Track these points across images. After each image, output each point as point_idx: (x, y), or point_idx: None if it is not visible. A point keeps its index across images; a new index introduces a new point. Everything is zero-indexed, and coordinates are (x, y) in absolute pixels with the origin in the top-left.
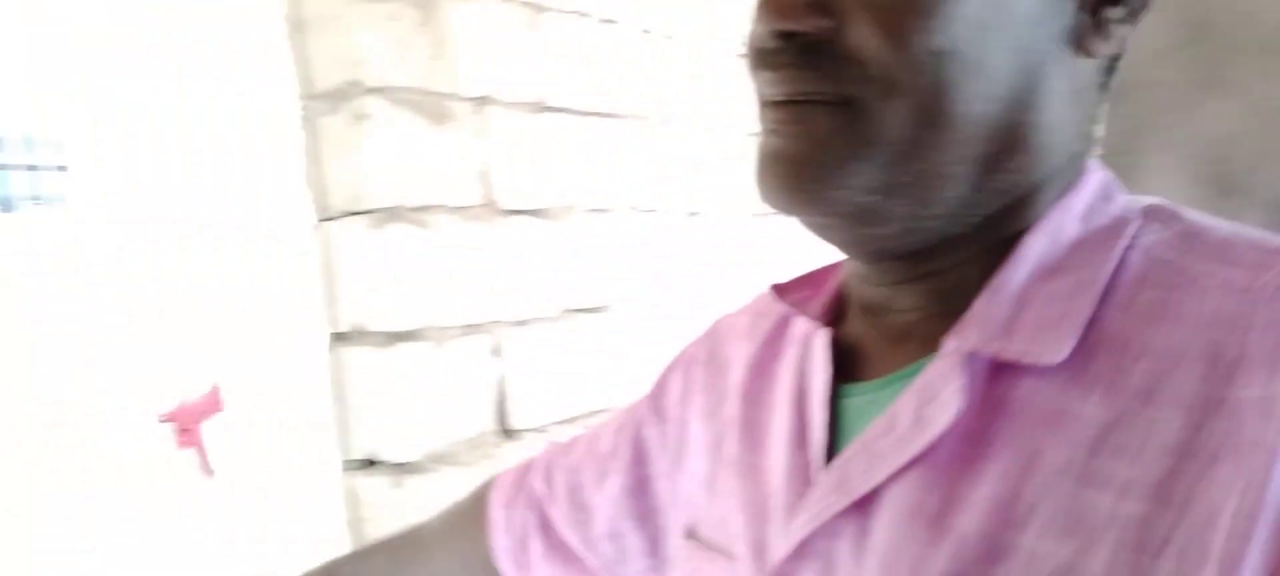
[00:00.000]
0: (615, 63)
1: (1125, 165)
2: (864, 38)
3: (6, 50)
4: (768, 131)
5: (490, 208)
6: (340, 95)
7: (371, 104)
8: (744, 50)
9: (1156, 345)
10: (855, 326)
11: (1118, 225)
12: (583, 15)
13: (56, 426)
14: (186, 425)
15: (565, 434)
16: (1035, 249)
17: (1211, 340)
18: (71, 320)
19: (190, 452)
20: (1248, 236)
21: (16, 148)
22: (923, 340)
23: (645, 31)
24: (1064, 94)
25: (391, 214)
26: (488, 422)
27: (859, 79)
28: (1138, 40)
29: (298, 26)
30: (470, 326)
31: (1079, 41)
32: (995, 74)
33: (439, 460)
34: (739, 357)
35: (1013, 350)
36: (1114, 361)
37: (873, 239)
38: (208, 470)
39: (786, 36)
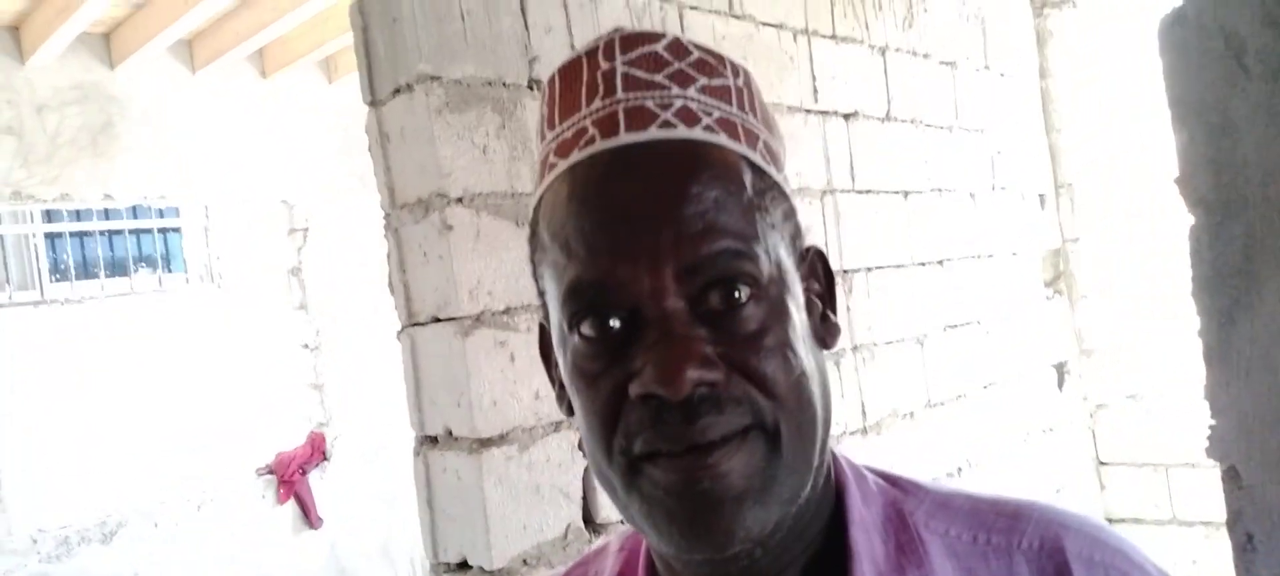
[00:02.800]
0: None
1: (1238, 288)
2: (755, 375)
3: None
4: (685, 480)
5: None
6: (426, 205)
7: (456, 214)
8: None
9: None
10: None
11: (894, 506)
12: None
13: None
14: (287, 476)
15: None
16: (864, 551)
17: None
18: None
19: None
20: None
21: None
22: None
23: None
24: (827, 382)
25: (478, 320)
26: (575, 519)
27: (759, 408)
28: (1252, 156)
29: (382, 140)
30: (555, 424)
31: (823, 340)
32: (820, 378)
33: (529, 560)
34: None
35: None
36: None
37: (761, 547)
38: (315, 522)
39: (701, 387)
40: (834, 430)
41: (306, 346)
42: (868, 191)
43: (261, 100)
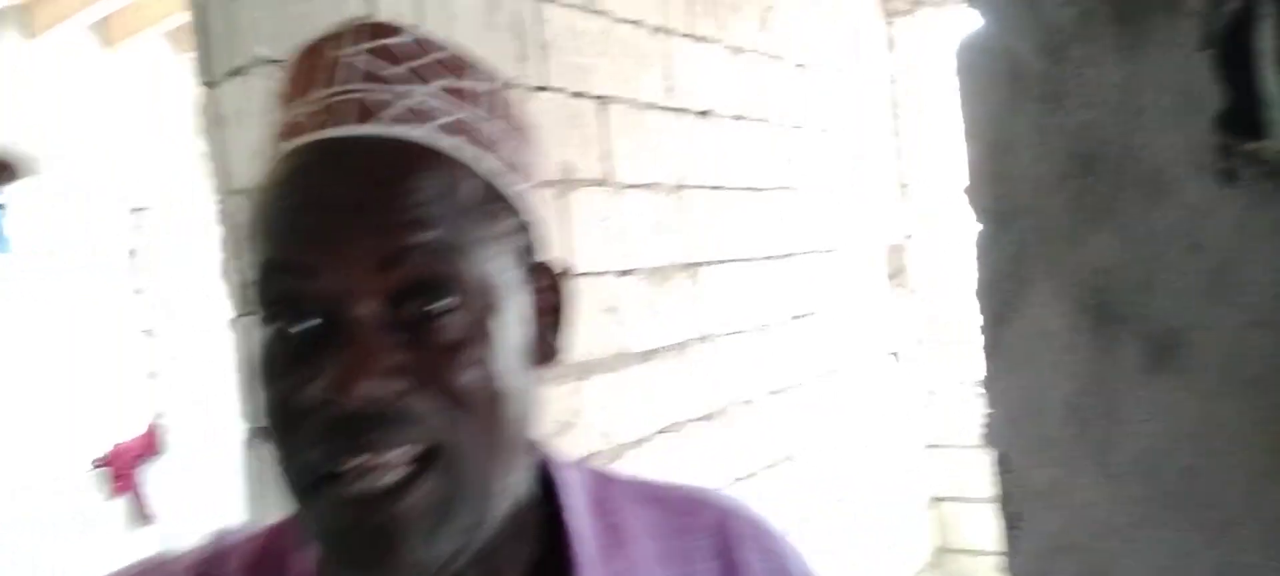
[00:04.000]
0: None
1: (1010, 291)
2: (448, 390)
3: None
4: (356, 517)
5: None
6: None
7: None
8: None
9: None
10: None
11: (598, 494)
12: None
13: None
14: (122, 470)
15: None
16: (580, 533)
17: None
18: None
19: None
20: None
21: None
22: None
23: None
24: (535, 402)
25: None
26: None
27: (445, 427)
28: (1027, 171)
29: (217, 122)
30: None
31: (539, 358)
32: (524, 399)
33: None
34: None
35: None
36: None
37: (469, 565)
38: (147, 517)
39: (380, 399)
40: (678, 417)
41: (146, 332)
42: (719, 187)
43: (104, 71)
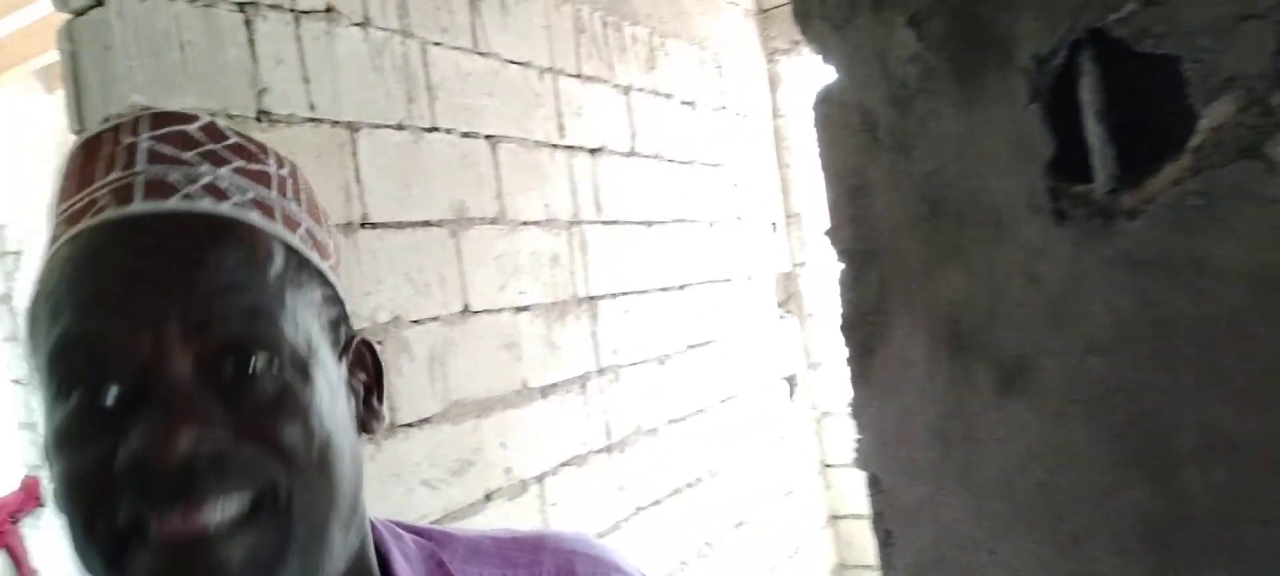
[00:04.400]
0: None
1: (874, 324)
2: (271, 440)
3: None
4: (180, 561)
5: None
6: None
7: None
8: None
9: None
10: None
11: (433, 557)
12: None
13: None
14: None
15: None
16: None
17: None
18: None
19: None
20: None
21: None
22: None
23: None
24: (361, 464)
25: None
26: None
27: (273, 475)
28: (883, 214)
29: None
30: None
31: (363, 426)
32: (350, 457)
33: None
34: None
35: None
36: None
37: None
38: (28, 574)
39: (201, 451)
40: (580, 450)
41: (18, 382)
42: (613, 222)
43: None
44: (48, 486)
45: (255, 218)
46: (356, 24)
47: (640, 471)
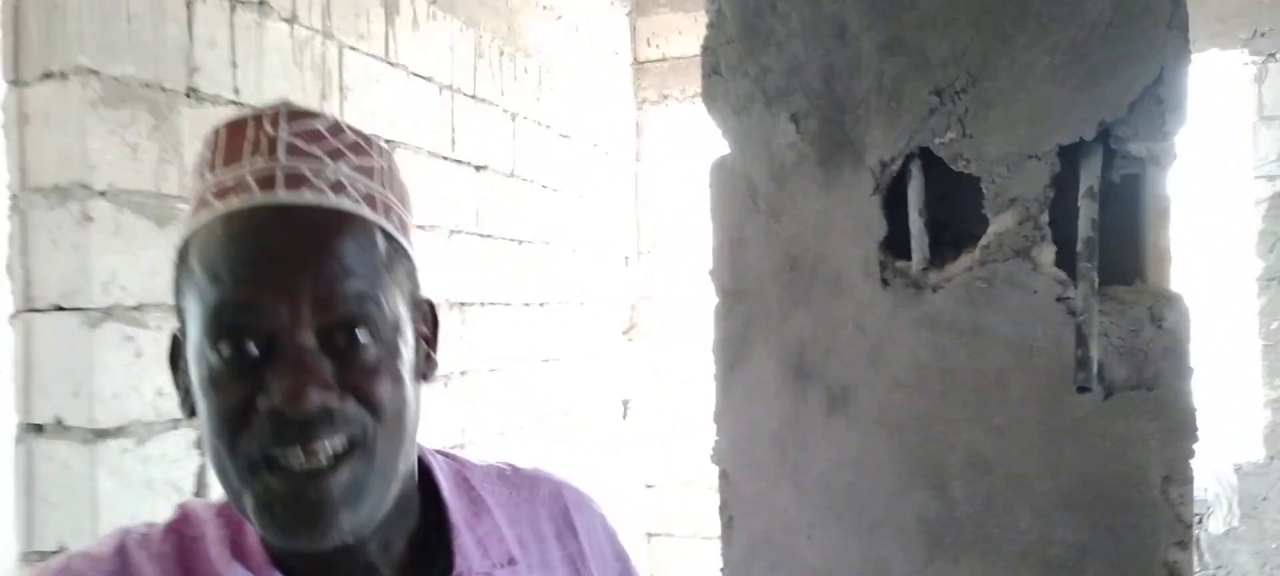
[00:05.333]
0: None
1: (737, 349)
2: (368, 401)
3: None
4: (294, 491)
5: None
6: (64, 194)
7: (98, 207)
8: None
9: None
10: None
11: (460, 475)
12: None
13: None
14: None
15: None
16: (454, 508)
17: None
18: None
19: None
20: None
21: None
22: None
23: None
24: (420, 406)
25: (107, 314)
26: None
27: (362, 427)
28: (754, 264)
29: (20, 120)
30: (174, 421)
31: (423, 374)
32: (414, 404)
33: None
34: None
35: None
36: (531, 552)
37: (366, 538)
38: None
39: (321, 408)
40: (437, 442)
41: None
42: (489, 236)
43: None
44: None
45: (365, 211)
46: (285, 19)
47: None
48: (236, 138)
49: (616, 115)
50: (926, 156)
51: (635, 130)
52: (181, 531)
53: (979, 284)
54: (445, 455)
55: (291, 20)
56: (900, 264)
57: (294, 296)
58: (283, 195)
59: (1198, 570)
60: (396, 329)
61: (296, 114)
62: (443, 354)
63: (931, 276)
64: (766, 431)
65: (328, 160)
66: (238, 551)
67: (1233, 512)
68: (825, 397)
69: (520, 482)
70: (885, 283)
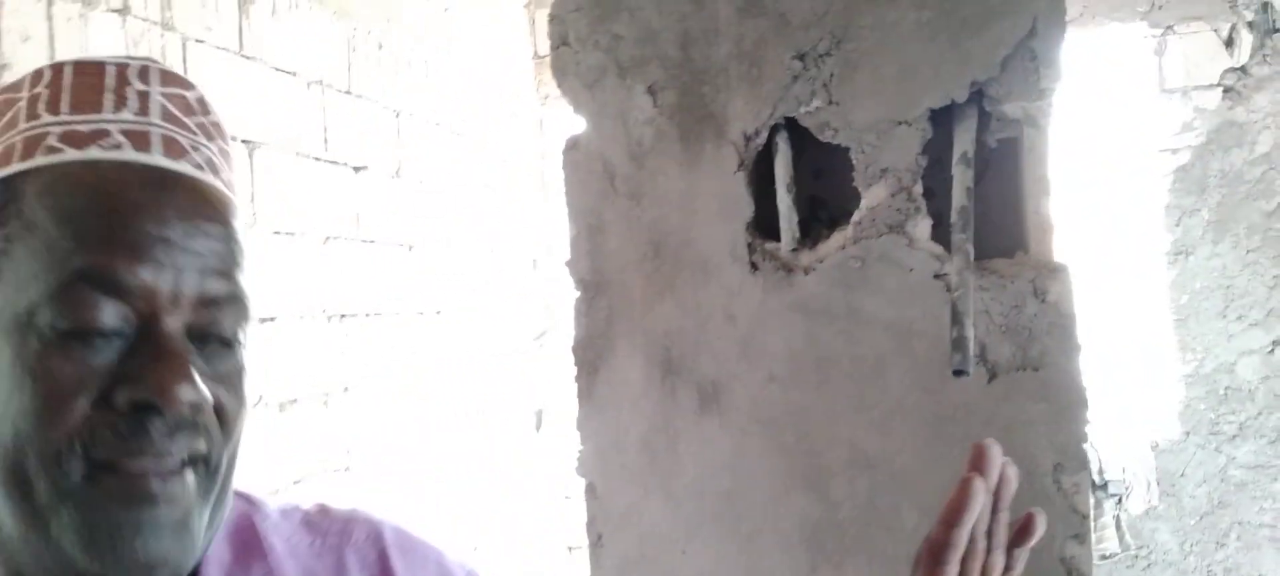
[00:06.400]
0: None
1: (600, 348)
2: (223, 415)
3: None
4: (148, 496)
5: None
6: None
7: None
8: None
9: None
10: None
11: (246, 517)
12: None
13: None
14: None
15: None
16: (212, 557)
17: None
18: None
19: None
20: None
21: None
22: None
23: None
24: None
25: None
26: None
27: (217, 445)
28: (614, 252)
29: None
30: None
31: None
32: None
33: None
34: None
35: None
36: None
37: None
38: None
39: (191, 413)
40: (321, 464)
41: None
42: (372, 242)
43: None
44: None
45: (230, 198)
46: (115, 10)
47: (376, 495)
48: (91, 83)
49: (516, 111)
50: (794, 128)
51: (539, 127)
52: None
53: (853, 264)
54: (240, 495)
55: (123, 11)
56: (770, 245)
57: (176, 277)
58: (162, 160)
59: (1119, 551)
60: (245, 345)
61: (169, 76)
62: (317, 367)
63: (803, 258)
64: (635, 437)
65: (201, 136)
66: None
67: (1151, 491)
68: (696, 396)
69: (329, 527)
70: (754, 267)
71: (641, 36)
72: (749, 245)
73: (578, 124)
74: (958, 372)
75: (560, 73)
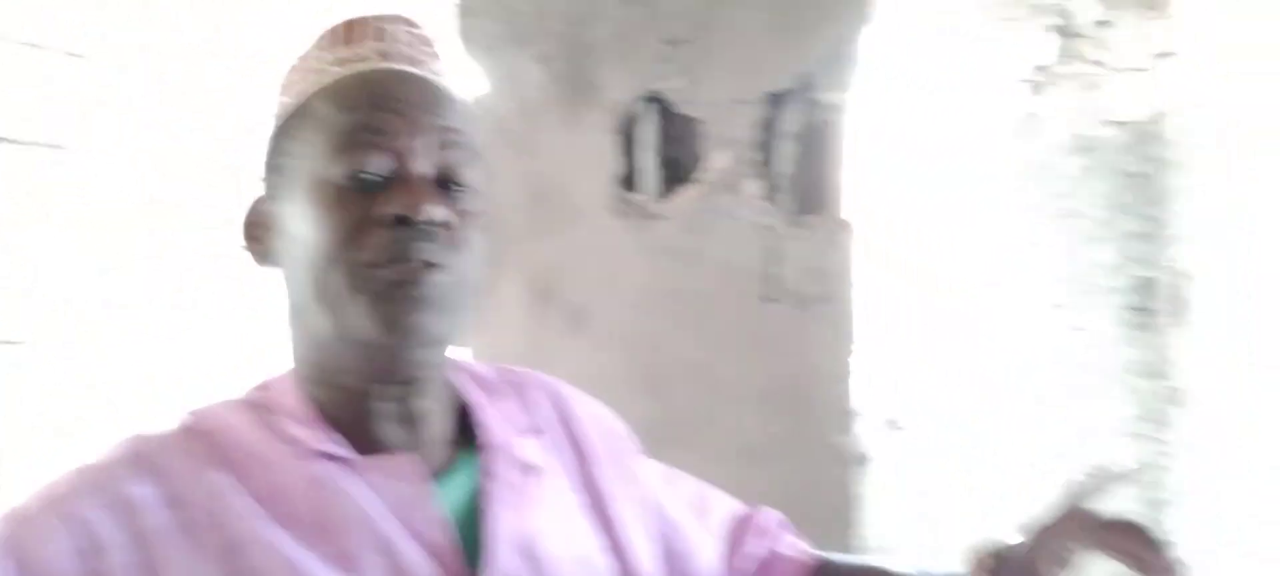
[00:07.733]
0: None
1: (489, 277)
2: (460, 231)
3: None
4: (411, 282)
5: None
6: None
7: None
8: (390, 216)
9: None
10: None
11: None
12: None
13: None
14: None
15: None
16: (469, 387)
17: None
18: None
19: None
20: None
21: None
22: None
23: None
24: None
25: None
26: None
27: (462, 254)
28: (502, 198)
29: None
30: None
31: None
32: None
33: None
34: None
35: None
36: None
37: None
38: None
39: (435, 221)
40: None
41: None
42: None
43: None
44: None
45: (454, 90)
46: None
47: None
48: (355, 28)
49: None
50: (658, 100)
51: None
52: (206, 427)
53: (699, 214)
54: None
55: None
56: (634, 197)
57: (423, 132)
58: (406, 67)
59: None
60: (480, 191)
61: (402, 19)
62: None
63: (660, 207)
64: (513, 352)
65: (430, 53)
66: (279, 431)
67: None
68: (567, 318)
69: (514, 377)
70: (621, 214)
71: (536, 12)
72: (616, 195)
73: (480, 85)
74: (771, 300)
75: (467, 38)
